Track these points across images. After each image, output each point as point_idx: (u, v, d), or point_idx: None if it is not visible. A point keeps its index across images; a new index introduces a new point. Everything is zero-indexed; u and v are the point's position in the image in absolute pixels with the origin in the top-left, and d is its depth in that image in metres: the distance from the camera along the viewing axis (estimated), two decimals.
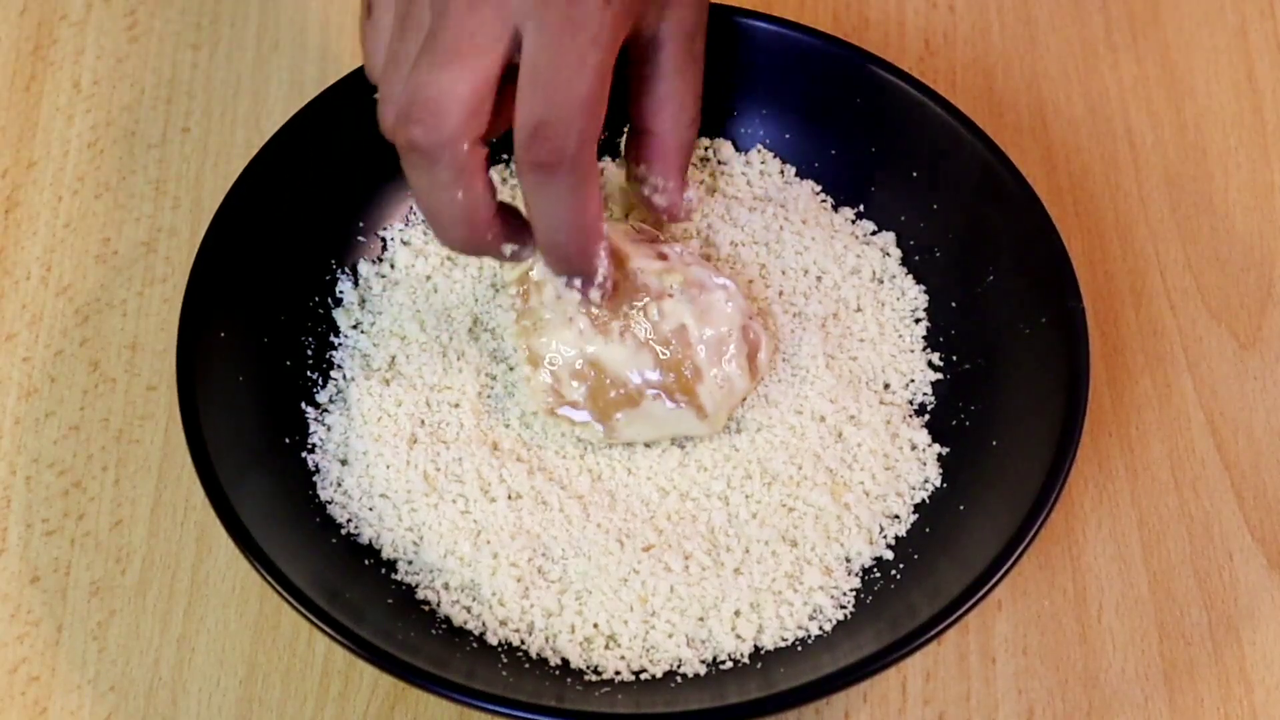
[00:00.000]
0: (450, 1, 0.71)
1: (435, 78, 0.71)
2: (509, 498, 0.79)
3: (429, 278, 0.83)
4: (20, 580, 0.81)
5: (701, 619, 0.77)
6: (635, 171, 0.80)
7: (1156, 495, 0.83)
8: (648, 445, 0.80)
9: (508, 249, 0.75)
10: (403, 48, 0.72)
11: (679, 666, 0.76)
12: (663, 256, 0.79)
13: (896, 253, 0.85)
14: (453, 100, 0.71)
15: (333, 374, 0.82)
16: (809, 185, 0.87)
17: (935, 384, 0.83)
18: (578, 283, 0.77)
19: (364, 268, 0.84)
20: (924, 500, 0.80)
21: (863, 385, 0.82)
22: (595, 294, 0.77)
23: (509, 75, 0.72)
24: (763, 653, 0.76)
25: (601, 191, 0.76)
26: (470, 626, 0.77)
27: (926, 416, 0.82)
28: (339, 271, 0.84)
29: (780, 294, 0.84)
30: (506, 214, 0.75)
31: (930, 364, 0.83)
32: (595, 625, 0.77)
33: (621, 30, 0.72)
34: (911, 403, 0.82)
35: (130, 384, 0.85)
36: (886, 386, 0.82)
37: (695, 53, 0.78)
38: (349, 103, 0.83)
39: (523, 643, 0.77)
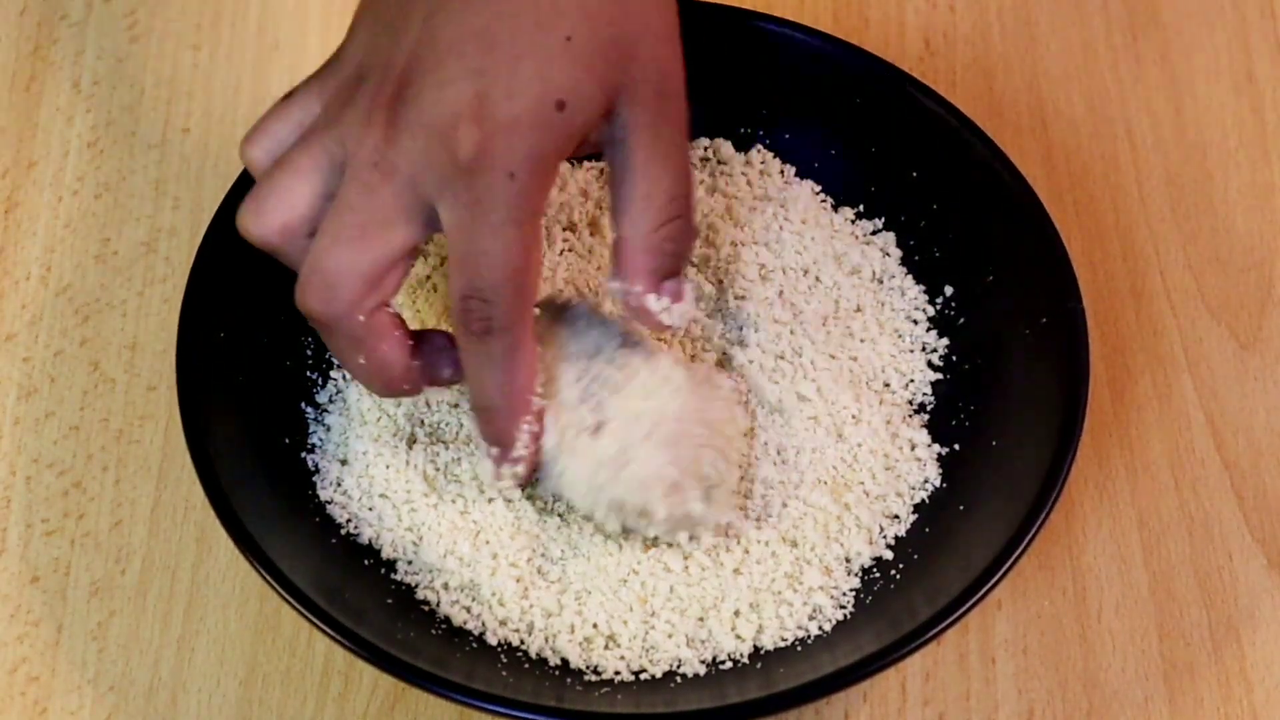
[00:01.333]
0: (357, 178, 0.72)
1: (335, 254, 0.72)
2: (508, 498, 0.79)
3: (428, 278, 0.83)
4: (20, 580, 0.81)
5: (701, 619, 0.77)
6: (610, 287, 0.76)
7: (1156, 495, 0.83)
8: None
9: (432, 389, 0.77)
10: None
11: (679, 666, 0.76)
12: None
13: (896, 253, 0.85)
14: (348, 277, 0.72)
15: (332, 374, 0.82)
16: (809, 185, 0.87)
17: (935, 384, 0.83)
18: (494, 452, 0.76)
19: None
20: (924, 500, 0.80)
21: (863, 385, 0.82)
22: (507, 470, 0.76)
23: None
24: (763, 653, 0.76)
25: (536, 368, 0.75)
26: (470, 626, 0.77)
27: (926, 416, 0.82)
28: None
29: (780, 294, 0.84)
30: (431, 347, 0.76)
31: (930, 364, 0.83)
32: (595, 625, 0.77)
33: (536, 194, 0.71)
34: (911, 403, 0.82)
35: (130, 384, 0.85)
36: (886, 386, 0.82)
37: (662, 147, 0.74)
38: None
39: (522, 643, 0.77)
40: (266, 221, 0.73)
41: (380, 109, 0.72)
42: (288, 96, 0.75)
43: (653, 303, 0.75)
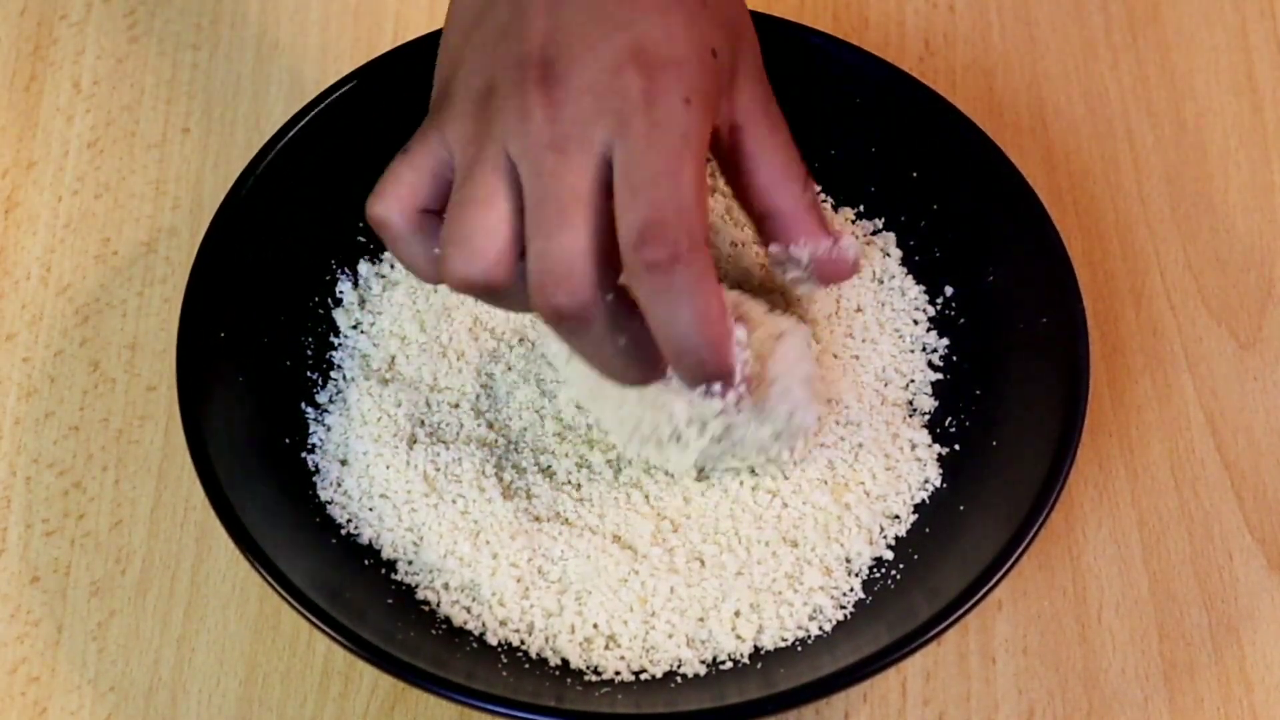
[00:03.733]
0: (538, 168, 0.70)
1: (555, 247, 0.69)
2: (509, 498, 0.79)
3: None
4: (20, 580, 0.81)
5: (701, 619, 0.77)
6: (778, 257, 0.75)
7: (1156, 495, 0.83)
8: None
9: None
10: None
11: (679, 667, 0.76)
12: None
13: (896, 253, 0.85)
14: (579, 260, 0.69)
15: (332, 374, 0.82)
16: None
17: (935, 384, 0.83)
18: (716, 388, 0.72)
19: (364, 268, 0.84)
20: (924, 500, 0.80)
21: (863, 385, 0.82)
22: (733, 398, 0.73)
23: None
24: (763, 653, 0.76)
25: (724, 294, 0.72)
26: (470, 626, 0.77)
27: (926, 416, 0.82)
28: (339, 271, 0.84)
29: (780, 294, 0.84)
30: None
31: (930, 364, 0.83)
32: (595, 625, 0.77)
33: (706, 125, 0.71)
34: (911, 403, 0.82)
35: (130, 384, 0.85)
36: (886, 386, 0.82)
37: (776, 120, 0.75)
38: (349, 102, 0.83)
39: (523, 643, 0.77)
40: (482, 262, 0.70)
41: (533, 95, 0.70)
42: (405, 150, 0.73)
43: (847, 244, 0.75)
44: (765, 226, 0.75)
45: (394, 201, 0.72)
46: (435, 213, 0.72)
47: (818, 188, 0.76)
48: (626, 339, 0.71)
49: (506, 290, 0.71)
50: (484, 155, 0.70)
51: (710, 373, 0.71)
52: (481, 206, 0.70)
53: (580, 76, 0.70)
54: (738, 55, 0.74)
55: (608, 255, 0.70)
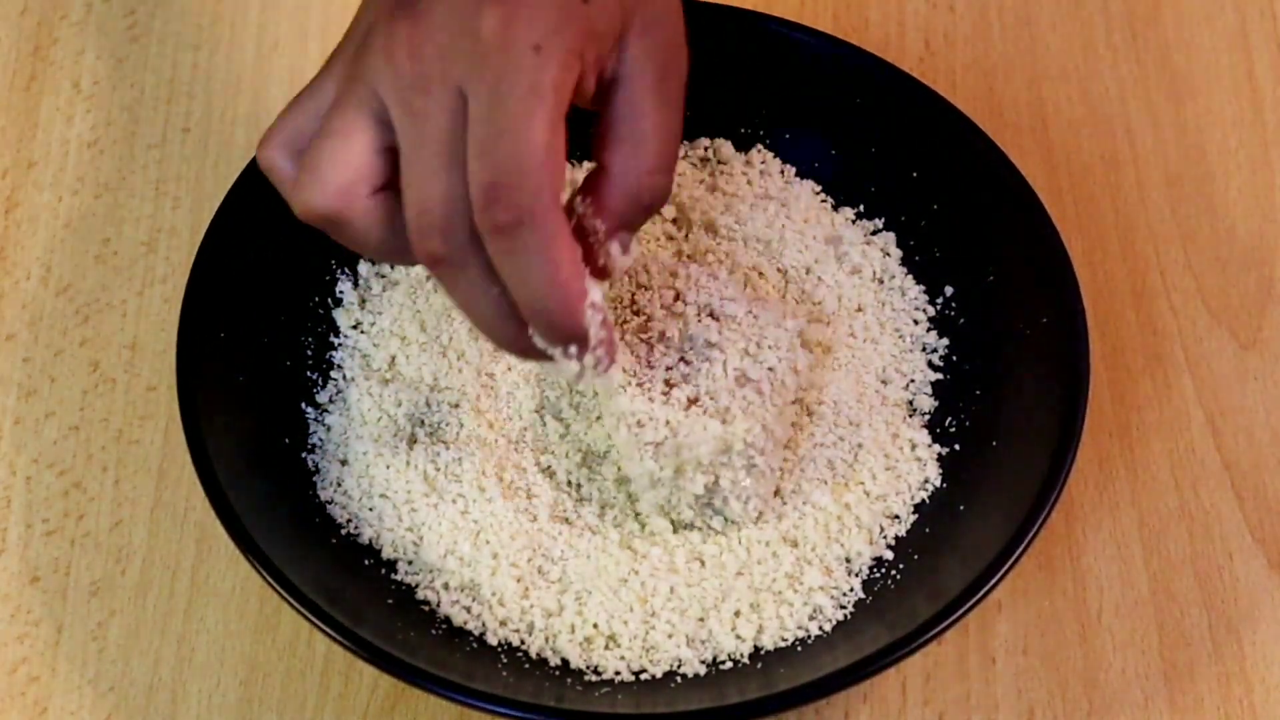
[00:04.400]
0: (407, 110, 0.68)
1: (436, 186, 0.68)
2: (509, 498, 0.79)
3: (429, 277, 0.83)
4: (20, 580, 0.81)
5: (701, 619, 0.77)
6: (575, 206, 0.72)
7: (1156, 495, 0.83)
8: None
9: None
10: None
11: (679, 667, 0.76)
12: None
13: (896, 253, 0.85)
14: (452, 206, 0.68)
15: (332, 374, 0.82)
16: (809, 185, 0.87)
17: (935, 384, 0.83)
18: (573, 351, 0.70)
19: (364, 268, 0.84)
20: (924, 500, 0.80)
21: (863, 385, 0.82)
22: (589, 361, 0.71)
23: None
24: (763, 653, 0.76)
25: (578, 252, 0.69)
26: (470, 626, 0.77)
27: (926, 416, 0.82)
28: (339, 271, 0.84)
29: (781, 294, 0.84)
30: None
31: (930, 364, 0.83)
32: (595, 625, 0.77)
33: (566, 74, 0.68)
34: (911, 403, 0.82)
35: (130, 384, 0.85)
36: (886, 386, 0.82)
37: (665, 96, 0.71)
38: None
39: (523, 643, 0.77)
40: (326, 189, 0.70)
41: (398, 33, 0.69)
42: (296, 97, 0.73)
43: (611, 245, 0.71)
44: (589, 178, 0.72)
45: (276, 142, 0.72)
46: None
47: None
48: (498, 290, 0.69)
49: (352, 226, 0.70)
50: (351, 92, 0.70)
51: (563, 334, 0.70)
52: (336, 138, 0.70)
53: (440, 13, 0.68)
54: (636, 11, 0.70)
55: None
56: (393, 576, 0.78)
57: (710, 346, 0.77)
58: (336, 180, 0.70)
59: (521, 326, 0.70)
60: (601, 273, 0.72)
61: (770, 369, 0.77)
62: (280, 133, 0.72)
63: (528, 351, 0.71)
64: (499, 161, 0.67)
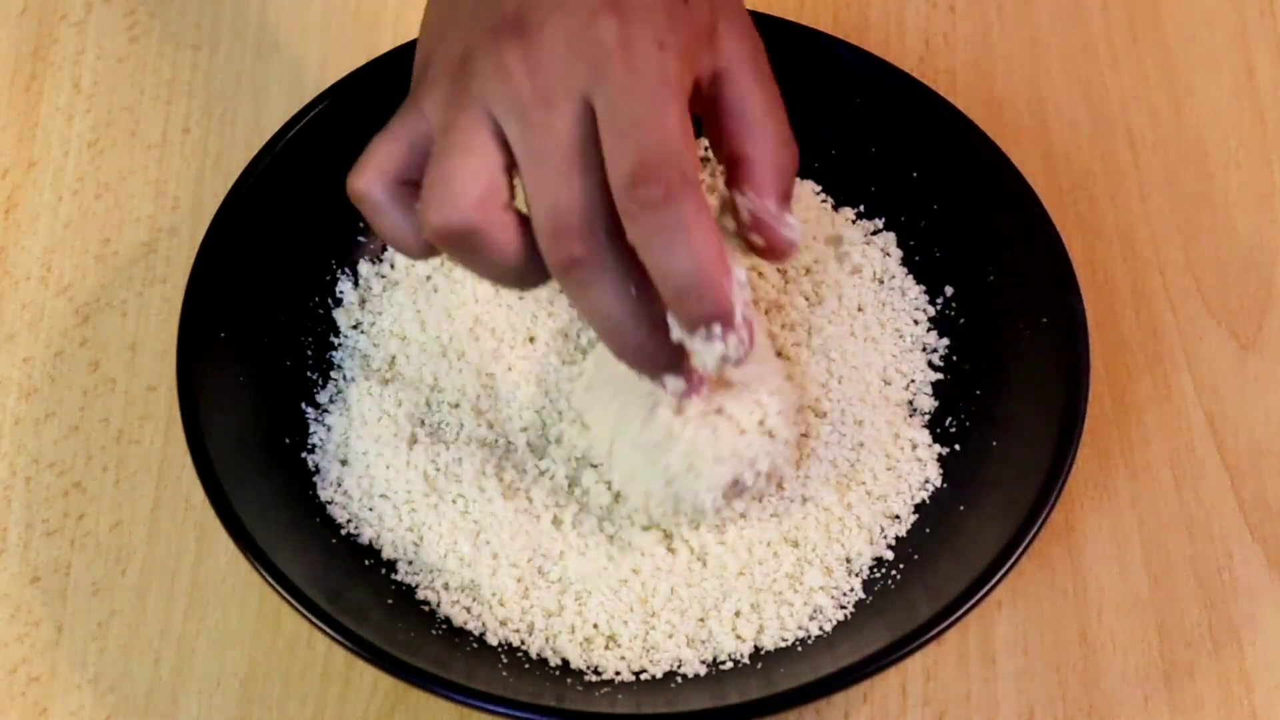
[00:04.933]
0: (527, 124, 0.69)
1: (563, 199, 0.69)
2: (509, 498, 0.79)
3: (429, 278, 0.83)
4: (20, 580, 0.81)
5: (702, 619, 0.77)
6: (735, 201, 0.73)
7: (1156, 495, 0.83)
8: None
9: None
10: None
11: (679, 667, 0.76)
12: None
13: (897, 253, 0.85)
14: (588, 209, 0.69)
15: (333, 374, 0.82)
16: (809, 185, 0.87)
17: (935, 384, 0.83)
18: (717, 330, 0.69)
19: (364, 268, 0.84)
20: (924, 500, 0.80)
21: (864, 385, 0.82)
22: (734, 342, 0.70)
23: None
24: (763, 653, 0.76)
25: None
26: (470, 626, 0.77)
27: (926, 416, 0.82)
28: (339, 271, 0.84)
29: (781, 293, 0.84)
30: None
31: (930, 364, 0.83)
32: (595, 625, 0.77)
33: (686, 71, 0.70)
34: (911, 403, 0.82)
35: (130, 384, 0.85)
36: (887, 386, 0.82)
37: (765, 74, 0.73)
38: (349, 103, 0.83)
39: (523, 643, 0.77)
40: (460, 204, 0.69)
41: (510, 52, 0.69)
42: (384, 131, 0.72)
43: (786, 218, 0.72)
44: (732, 171, 0.73)
45: (372, 174, 0.72)
46: (416, 184, 0.71)
47: (796, 157, 0.74)
48: (637, 291, 0.70)
49: (492, 238, 0.70)
50: (464, 112, 0.70)
51: (709, 311, 0.69)
52: (462, 153, 0.69)
53: (554, 29, 0.69)
54: (720, 10, 0.73)
55: (609, 203, 0.69)
56: (393, 576, 0.78)
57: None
58: (471, 193, 0.69)
59: (655, 329, 0.71)
60: (780, 252, 0.73)
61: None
62: (373, 162, 0.72)
63: (655, 358, 0.72)
64: (643, 143, 0.68)
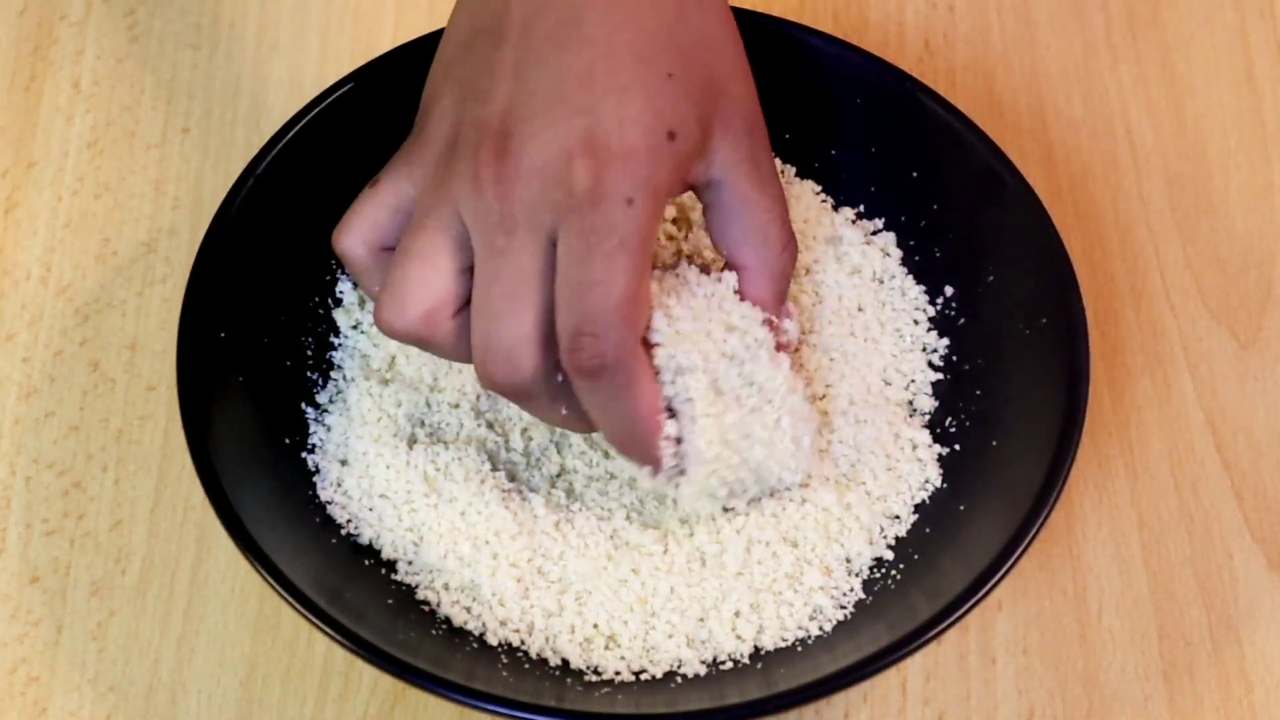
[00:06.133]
0: (488, 246, 0.72)
1: (500, 329, 0.72)
2: (508, 498, 0.79)
3: None
4: (20, 580, 0.81)
5: (701, 619, 0.77)
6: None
7: (1156, 495, 0.83)
8: None
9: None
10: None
11: (679, 667, 0.76)
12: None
13: (897, 253, 0.85)
14: (523, 345, 0.72)
15: (333, 374, 0.82)
16: (809, 185, 0.87)
17: (935, 384, 0.83)
18: (648, 469, 0.75)
19: None
20: (924, 500, 0.80)
21: (863, 385, 0.82)
22: (663, 479, 0.75)
23: None
24: (763, 653, 0.76)
25: (657, 393, 0.73)
26: (470, 626, 0.77)
27: (926, 416, 0.82)
28: (339, 271, 0.84)
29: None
30: None
31: (930, 364, 0.83)
32: (595, 625, 0.77)
33: (654, 219, 0.72)
34: (911, 403, 0.82)
35: (130, 384, 0.85)
36: (887, 386, 0.82)
37: (763, 176, 0.76)
38: (349, 103, 0.83)
39: (523, 643, 0.77)
40: (409, 314, 0.73)
41: (487, 167, 0.72)
42: (374, 183, 0.75)
43: (783, 324, 0.77)
44: (736, 275, 0.77)
45: (357, 236, 0.75)
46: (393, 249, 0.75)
47: (794, 258, 0.78)
48: (567, 409, 0.74)
49: (436, 346, 0.74)
50: (435, 212, 0.73)
51: (638, 459, 0.74)
52: (419, 261, 0.73)
53: (532, 158, 0.71)
54: (715, 114, 0.74)
55: (552, 335, 0.72)
56: (393, 576, 0.78)
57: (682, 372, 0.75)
58: (420, 306, 0.73)
59: (589, 425, 0.74)
60: (783, 347, 0.77)
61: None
62: (357, 225, 0.76)
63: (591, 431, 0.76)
64: (587, 311, 0.71)
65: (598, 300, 0.71)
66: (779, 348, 0.77)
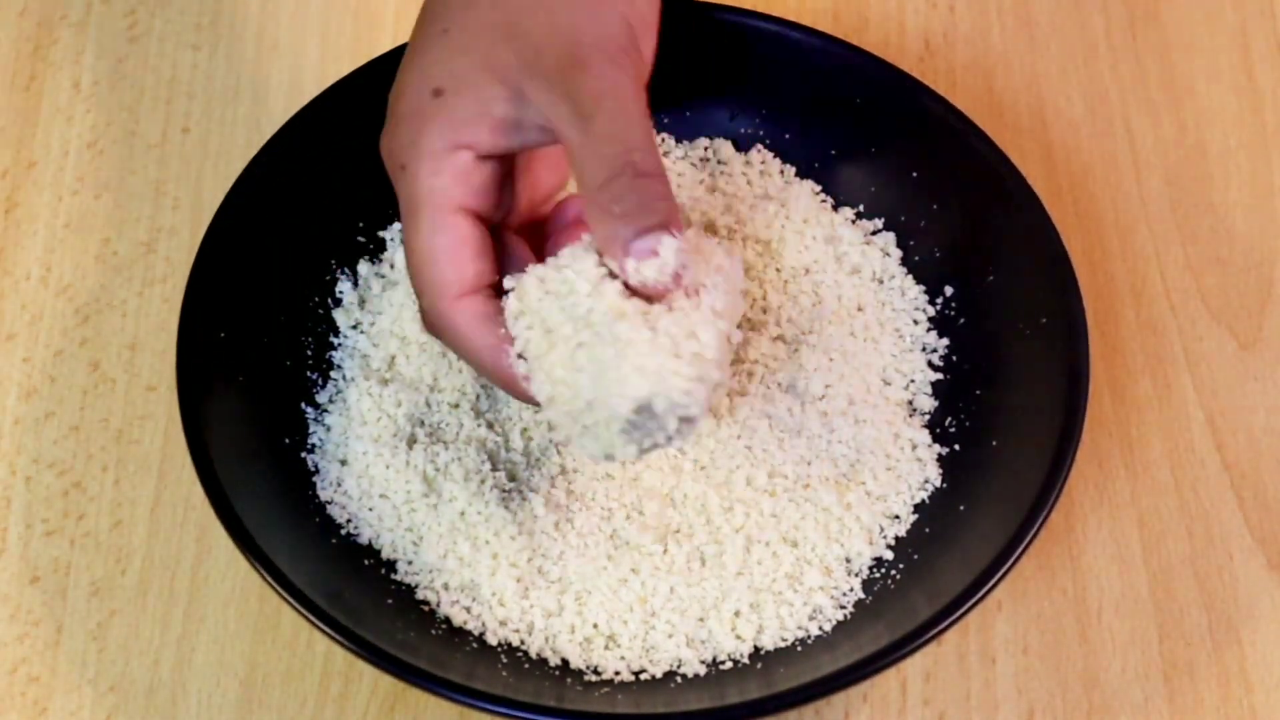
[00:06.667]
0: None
1: (425, 275, 0.75)
2: (508, 498, 0.79)
3: None
4: (20, 580, 0.81)
5: (701, 619, 0.77)
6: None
7: (1156, 495, 0.83)
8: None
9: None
10: None
11: (679, 667, 0.76)
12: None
13: (896, 253, 0.85)
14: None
15: (332, 374, 0.82)
16: (809, 185, 0.87)
17: (935, 384, 0.83)
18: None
19: (364, 268, 0.84)
20: (924, 500, 0.80)
21: (863, 385, 0.82)
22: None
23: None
24: (763, 653, 0.76)
25: (491, 329, 0.74)
26: (470, 626, 0.77)
27: (926, 416, 0.82)
28: (339, 271, 0.84)
29: (781, 293, 0.84)
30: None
31: (930, 364, 0.83)
32: (595, 625, 0.77)
33: (435, 179, 0.73)
34: (911, 403, 0.82)
35: (130, 384, 0.85)
36: (887, 386, 0.82)
37: (582, 115, 0.71)
38: (349, 103, 0.83)
39: (523, 643, 0.77)
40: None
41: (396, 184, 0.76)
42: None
43: (626, 265, 0.71)
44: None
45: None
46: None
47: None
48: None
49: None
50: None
51: (516, 396, 0.75)
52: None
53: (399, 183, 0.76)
54: (520, 52, 0.73)
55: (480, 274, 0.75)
56: (393, 576, 0.78)
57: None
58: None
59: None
60: (637, 291, 0.72)
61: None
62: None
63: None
64: (413, 277, 0.74)
65: (412, 264, 0.74)
66: (636, 291, 0.71)
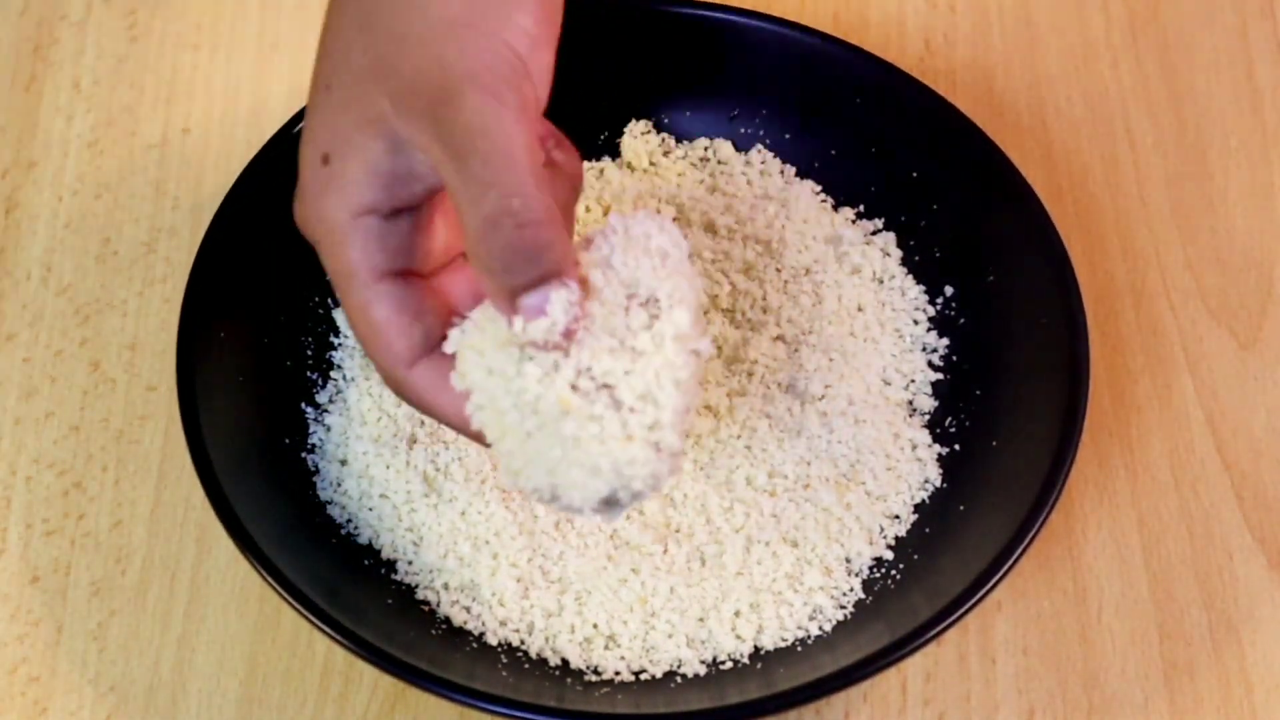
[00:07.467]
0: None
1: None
2: (508, 498, 0.79)
3: None
4: (20, 580, 0.81)
5: (701, 619, 0.77)
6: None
7: (1156, 495, 0.83)
8: None
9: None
10: None
11: (679, 667, 0.76)
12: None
13: (897, 253, 0.85)
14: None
15: (332, 374, 0.82)
16: (809, 185, 0.87)
17: (935, 384, 0.83)
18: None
19: None
20: (924, 500, 0.80)
21: (863, 385, 0.82)
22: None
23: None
24: (763, 653, 0.76)
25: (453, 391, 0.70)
26: (470, 626, 0.77)
27: (926, 416, 0.82)
28: None
29: (781, 293, 0.84)
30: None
31: (930, 364, 0.83)
32: (595, 625, 0.77)
33: (344, 248, 0.70)
34: (911, 403, 0.82)
35: (130, 384, 0.85)
36: (887, 386, 0.82)
37: (458, 152, 0.67)
38: None
39: (523, 643, 0.77)
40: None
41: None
42: None
43: (514, 323, 0.67)
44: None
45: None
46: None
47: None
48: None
49: None
50: None
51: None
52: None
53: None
54: (395, 97, 0.68)
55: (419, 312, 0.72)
56: (393, 576, 0.78)
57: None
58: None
59: None
60: (541, 346, 0.67)
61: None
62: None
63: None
64: (364, 349, 0.72)
65: (355, 336, 0.72)
66: (542, 346, 0.67)
